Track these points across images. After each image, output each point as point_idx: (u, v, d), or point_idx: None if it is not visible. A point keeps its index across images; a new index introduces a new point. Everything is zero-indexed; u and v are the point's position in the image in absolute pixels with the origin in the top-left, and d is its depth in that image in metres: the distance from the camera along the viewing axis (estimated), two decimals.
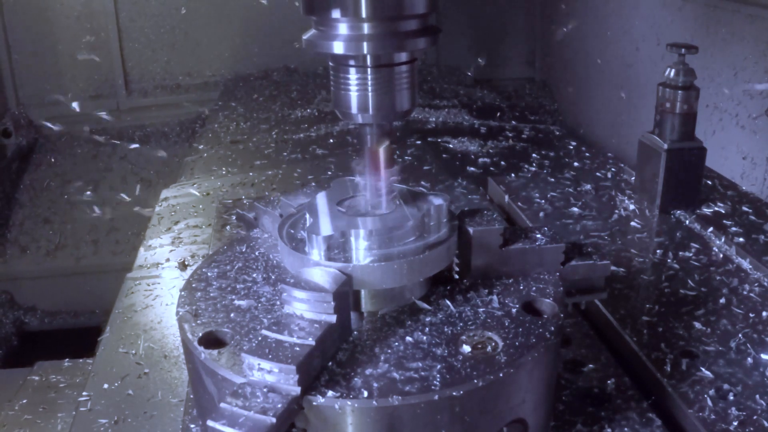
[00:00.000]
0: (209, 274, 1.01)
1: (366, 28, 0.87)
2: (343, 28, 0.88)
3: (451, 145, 2.46)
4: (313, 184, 1.16)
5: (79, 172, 3.82)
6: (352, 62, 0.91)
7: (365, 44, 0.88)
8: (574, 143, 2.46)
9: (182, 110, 3.96)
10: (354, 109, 0.93)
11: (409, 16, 0.89)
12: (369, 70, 0.91)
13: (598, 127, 3.49)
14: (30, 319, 3.61)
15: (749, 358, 1.12)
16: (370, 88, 0.91)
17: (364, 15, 0.86)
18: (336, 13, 0.87)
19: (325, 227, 0.90)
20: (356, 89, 0.92)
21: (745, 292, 1.31)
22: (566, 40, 3.86)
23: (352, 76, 0.91)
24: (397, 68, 0.92)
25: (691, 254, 1.46)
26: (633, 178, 1.80)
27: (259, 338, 0.80)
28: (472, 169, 2.21)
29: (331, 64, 0.94)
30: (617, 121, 3.28)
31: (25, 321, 3.59)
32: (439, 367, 0.80)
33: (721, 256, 1.45)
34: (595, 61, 3.49)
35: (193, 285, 0.99)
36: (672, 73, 1.56)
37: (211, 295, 0.96)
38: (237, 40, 3.96)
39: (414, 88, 0.95)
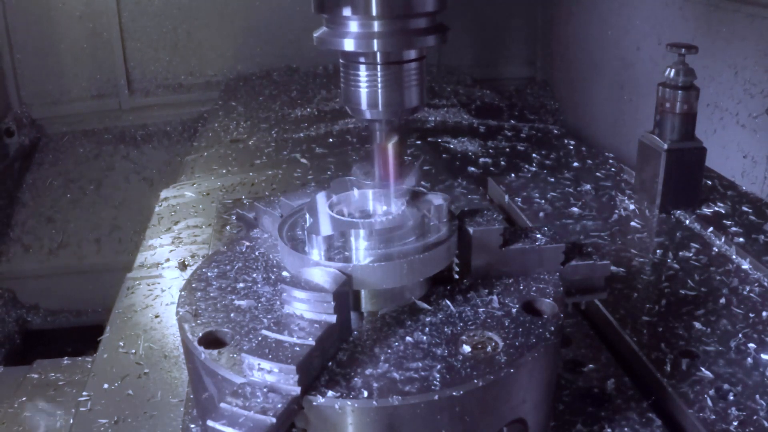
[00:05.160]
0: (209, 274, 1.01)
1: (376, 25, 0.89)
2: (353, 26, 0.90)
3: (451, 145, 2.46)
4: (313, 184, 1.16)
5: (81, 171, 3.83)
6: (362, 59, 0.93)
7: (375, 41, 0.89)
8: (573, 143, 2.46)
9: (184, 110, 3.96)
10: (363, 105, 0.95)
11: (419, 14, 0.91)
12: (378, 66, 0.93)
13: (598, 127, 3.49)
14: (32, 317, 3.61)
15: (749, 358, 1.12)
16: (379, 85, 0.93)
17: (374, 13, 0.88)
18: (347, 11, 0.89)
19: (325, 227, 0.91)
20: (366, 86, 0.93)
21: (745, 292, 1.31)
22: (567, 39, 3.86)
23: (362, 72, 0.93)
24: (406, 65, 0.93)
25: (691, 254, 1.46)
26: (633, 178, 1.80)
27: (259, 338, 0.80)
28: (472, 169, 2.21)
29: (341, 60, 0.95)
30: (618, 121, 3.28)
31: (27, 319, 3.59)
32: (439, 367, 0.80)
33: (721, 256, 1.45)
34: (596, 61, 3.49)
35: (193, 285, 0.99)
36: (672, 73, 1.56)
37: (211, 295, 0.96)
38: (239, 39, 3.97)
39: (422, 85, 0.96)
